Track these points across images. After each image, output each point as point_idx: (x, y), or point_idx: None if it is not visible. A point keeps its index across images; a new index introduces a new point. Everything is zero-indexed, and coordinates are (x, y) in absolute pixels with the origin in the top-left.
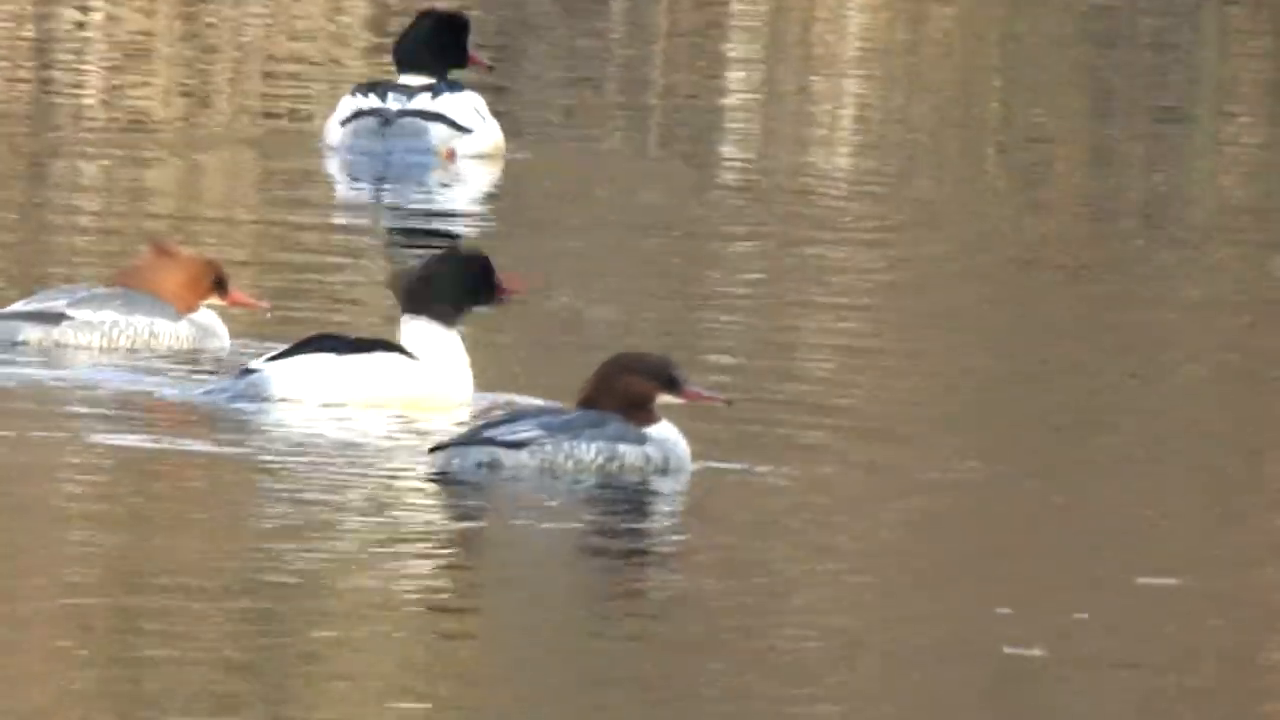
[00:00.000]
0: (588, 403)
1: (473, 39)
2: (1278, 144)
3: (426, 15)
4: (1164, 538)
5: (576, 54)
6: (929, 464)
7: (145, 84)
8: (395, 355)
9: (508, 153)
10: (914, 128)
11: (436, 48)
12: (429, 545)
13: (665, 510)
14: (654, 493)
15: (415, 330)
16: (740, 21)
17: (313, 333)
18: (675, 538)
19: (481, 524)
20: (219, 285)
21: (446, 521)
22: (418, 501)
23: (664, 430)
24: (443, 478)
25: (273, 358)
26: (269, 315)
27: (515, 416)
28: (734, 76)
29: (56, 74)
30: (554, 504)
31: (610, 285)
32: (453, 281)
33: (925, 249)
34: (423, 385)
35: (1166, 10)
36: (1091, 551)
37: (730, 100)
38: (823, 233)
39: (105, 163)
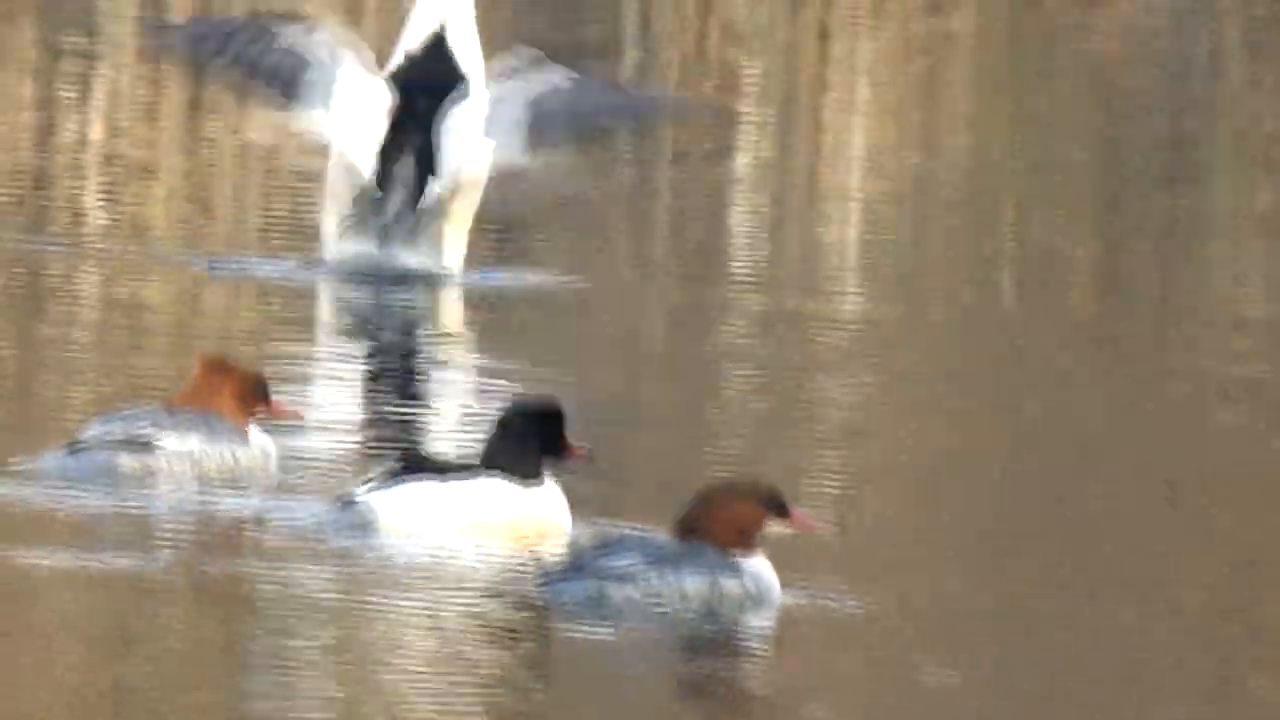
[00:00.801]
0: (688, 528)
1: None
2: None
3: None
4: None
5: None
6: (981, 587)
7: (145, 201)
8: (498, 480)
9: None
10: (923, 254)
11: None
12: (542, 680)
13: (762, 647)
14: (753, 627)
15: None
16: (745, 138)
17: (400, 454)
18: (778, 675)
19: (591, 658)
20: (264, 397)
21: (561, 655)
22: (532, 633)
23: (757, 562)
24: (552, 610)
25: (374, 487)
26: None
27: (616, 546)
28: (740, 197)
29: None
30: (662, 639)
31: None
32: (528, 436)
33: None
34: (527, 510)
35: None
36: None
37: (736, 223)
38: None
39: (105, 281)
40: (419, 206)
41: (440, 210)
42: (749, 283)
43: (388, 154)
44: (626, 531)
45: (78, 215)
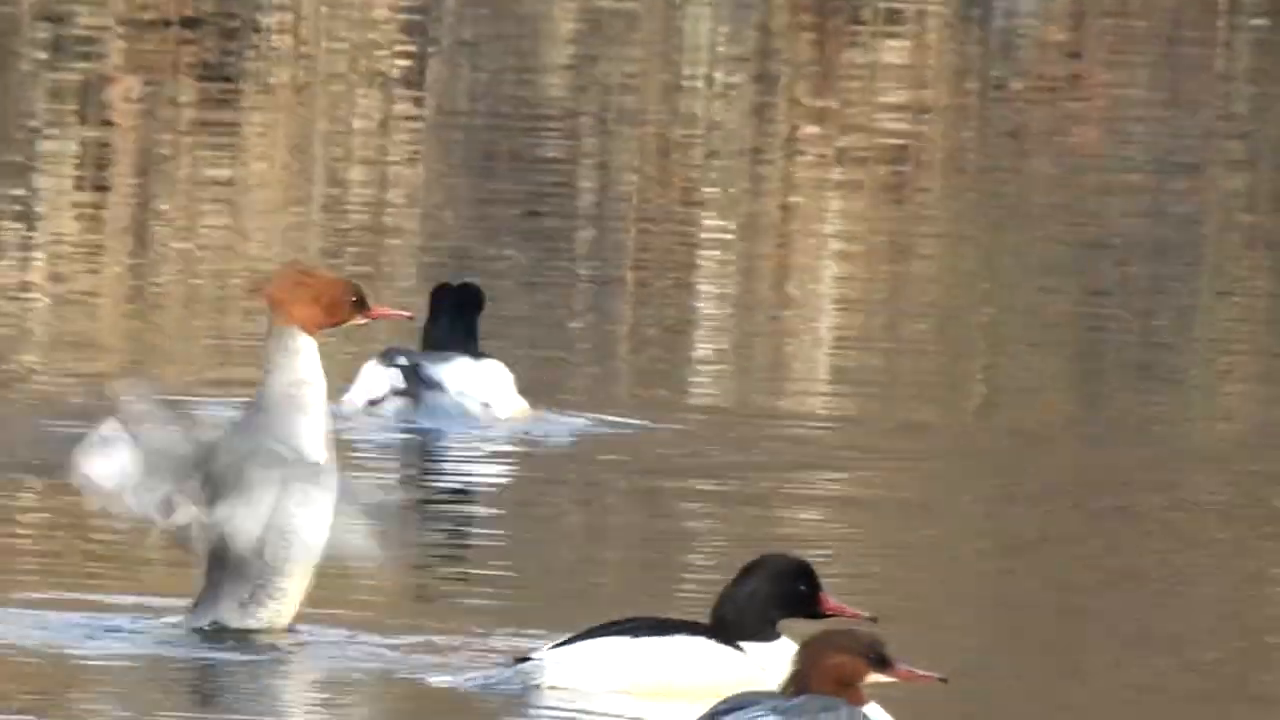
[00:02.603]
0: (797, 680)
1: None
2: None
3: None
4: None
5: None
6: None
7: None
8: (701, 640)
9: None
10: (894, 389)
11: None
12: None
13: None
14: None
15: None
16: (709, 274)
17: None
18: None
19: None
20: (360, 304)
21: None
22: None
23: (876, 712)
24: None
25: (559, 644)
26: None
27: (745, 701)
28: (704, 321)
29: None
30: None
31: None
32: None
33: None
34: (726, 673)
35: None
36: None
37: (700, 350)
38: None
39: None
40: None
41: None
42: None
43: None
44: (754, 689)
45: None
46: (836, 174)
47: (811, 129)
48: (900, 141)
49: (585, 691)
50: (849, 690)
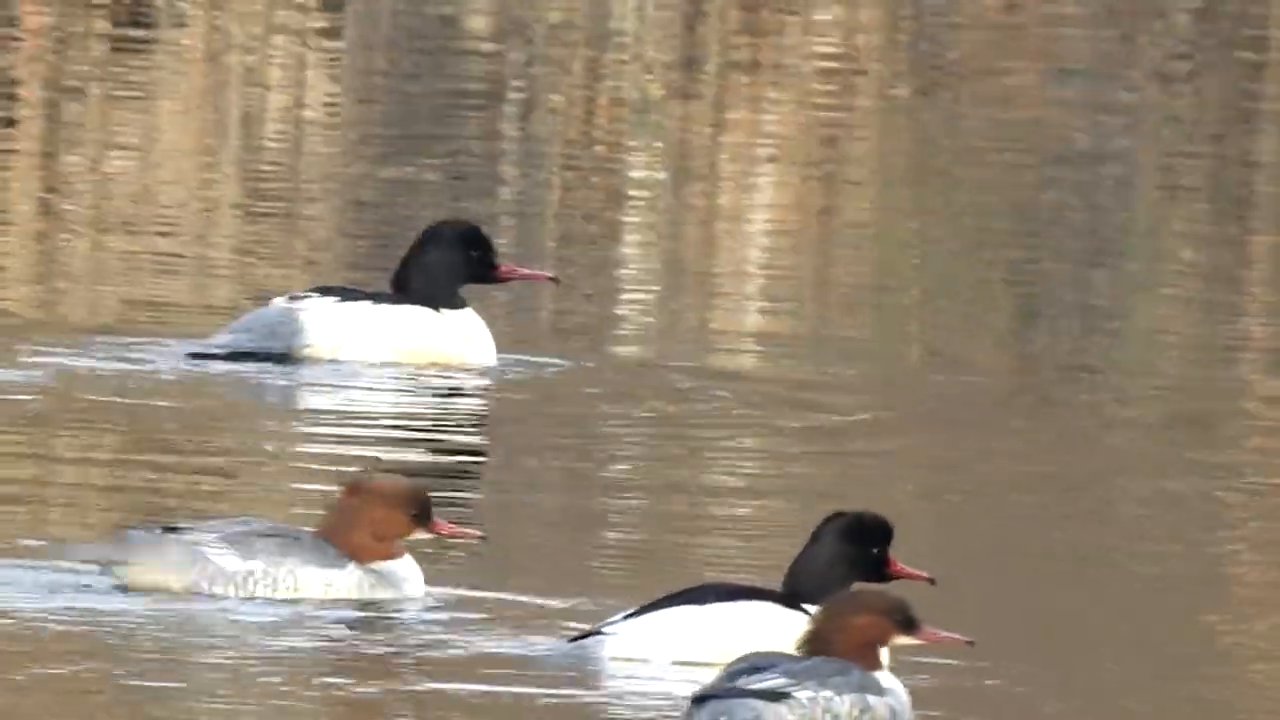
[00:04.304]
0: (816, 640)
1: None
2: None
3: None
4: None
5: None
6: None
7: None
8: (769, 605)
9: None
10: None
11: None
12: None
13: None
14: None
15: None
16: (635, 229)
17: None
18: None
19: None
20: (422, 518)
21: None
22: None
23: (891, 679)
24: None
25: (628, 615)
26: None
27: (759, 664)
28: (629, 280)
29: None
30: None
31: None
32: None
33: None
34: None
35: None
36: None
37: (625, 307)
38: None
39: None
40: None
41: None
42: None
43: None
44: (767, 650)
45: None
46: (771, 94)
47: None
48: (831, 85)
49: (653, 663)
50: (869, 652)
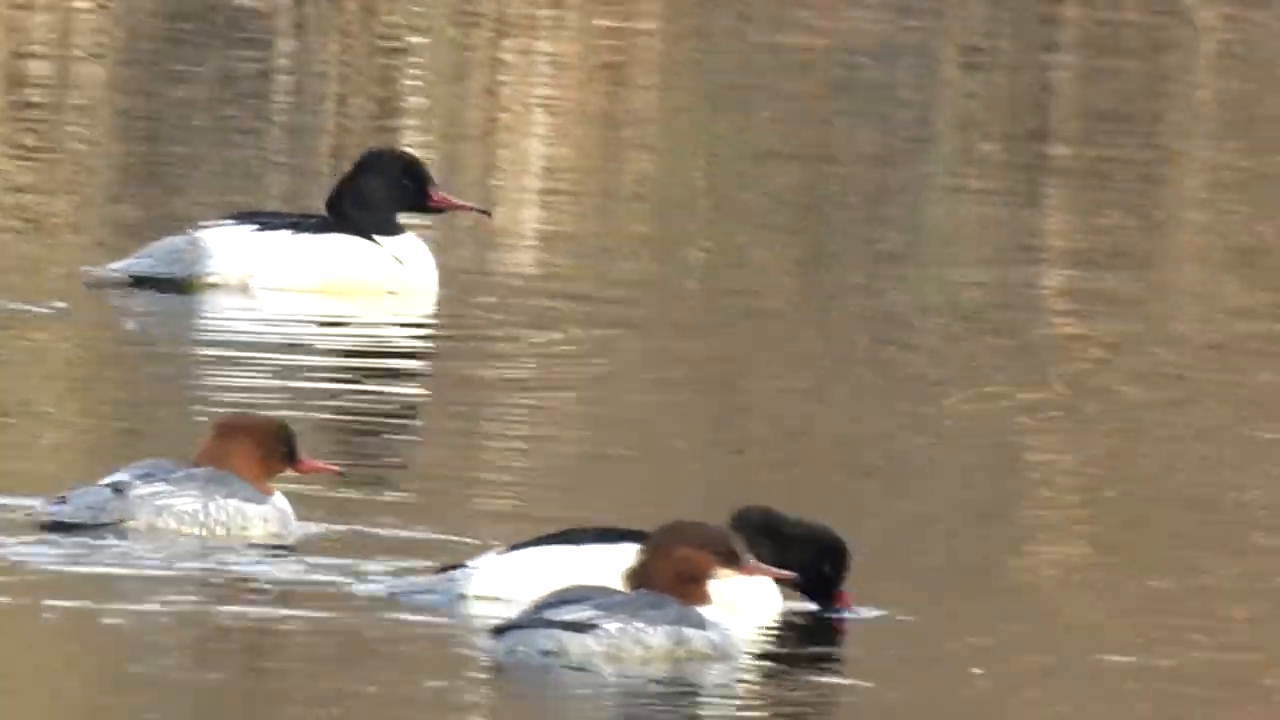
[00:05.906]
0: (639, 574)
1: None
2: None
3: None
4: None
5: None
6: None
7: None
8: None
9: None
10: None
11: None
12: None
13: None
14: (721, 684)
15: None
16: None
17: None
18: None
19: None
20: (290, 454)
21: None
22: (484, 692)
23: (717, 613)
24: (506, 663)
25: (503, 550)
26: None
27: (569, 596)
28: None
29: None
30: (630, 698)
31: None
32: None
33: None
34: None
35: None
36: None
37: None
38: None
39: None
40: None
41: None
42: None
43: None
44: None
45: None
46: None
47: None
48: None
49: (514, 601)
50: (691, 586)
